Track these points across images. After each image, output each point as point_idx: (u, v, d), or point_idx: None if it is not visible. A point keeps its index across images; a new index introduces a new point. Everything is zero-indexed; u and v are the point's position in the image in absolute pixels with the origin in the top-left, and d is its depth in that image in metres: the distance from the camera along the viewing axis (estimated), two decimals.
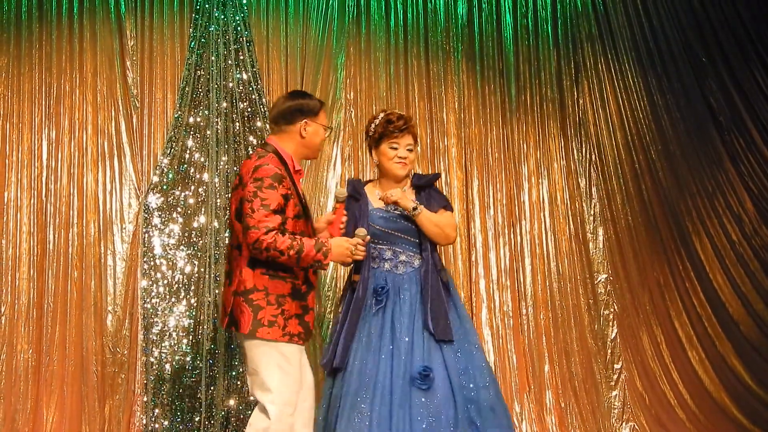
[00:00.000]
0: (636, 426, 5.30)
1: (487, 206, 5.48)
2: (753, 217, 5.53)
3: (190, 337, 4.89)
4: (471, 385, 3.66)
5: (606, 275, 5.53)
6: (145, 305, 4.91)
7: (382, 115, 3.89)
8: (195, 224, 4.99)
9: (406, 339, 3.67)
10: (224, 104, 5.07)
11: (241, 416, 4.79)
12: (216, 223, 4.95)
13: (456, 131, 5.50)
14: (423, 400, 3.57)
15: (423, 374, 3.59)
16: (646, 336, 5.49)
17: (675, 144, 5.63)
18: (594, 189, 5.63)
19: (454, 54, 5.57)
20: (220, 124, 5.05)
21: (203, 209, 4.98)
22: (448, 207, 3.91)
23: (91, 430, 4.80)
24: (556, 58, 5.69)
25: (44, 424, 4.79)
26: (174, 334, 4.89)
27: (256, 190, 3.27)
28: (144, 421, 4.83)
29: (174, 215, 5.00)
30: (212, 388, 4.85)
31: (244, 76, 5.11)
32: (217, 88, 5.07)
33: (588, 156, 5.65)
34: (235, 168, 4.98)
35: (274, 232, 3.23)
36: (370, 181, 4.09)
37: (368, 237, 3.63)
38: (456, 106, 5.52)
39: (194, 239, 4.98)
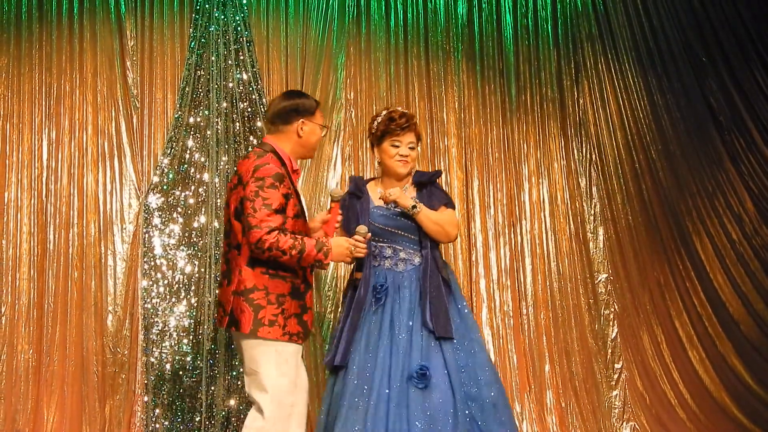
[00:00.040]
0: (636, 426, 5.30)
1: (487, 206, 5.48)
2: (753, 216, 5.53)
3: (191, 337, 4.89)
4: (472, 383, 3.65)
5: (606, 275, 5.53)
6: (146, 305, 4.91)
7: (384, 112, 3.89)
8: (195, 224, 4.99)
9: (405, 337, 3.67)
10: (224, 104, 5.07)
11: (242, 416, 4.79)
12: (216, 224, 4.95)
13: (456, 131, 5.50)
14: (421, 399, 3.56)
15: (420, 373, 3.58)
16: (647, 336, 5.49)
17: (675, 144, 5.63)
18: (594, 189, 5.63)
19: (454, 54, 5.57)
20: (220, 124, 5.05)
21: (203, 209, 4.99)
22: (449, 204, 3.90)
23: (91, 431, 4.80)
24: (556, 57, 5.69)
25: (45, 425, 4.79)
26: (174, 334, 4.89)
27: (257, 189, 3.27)
28: (144, 421, 4.83)
29: (174, 215, 5.00)
30: (213, 388, 4.85)
31: (245, 77, 5.11)
32: (217, 88, 5.07)
33: (588, 156, 5.65)
34: (234, 168, 4.98)
35: (277, 231, 3.24)
36: (373, 178, 4.09)
37: (369, 234, 3.64)
38: (456, 106, 5.52)
39: (194, 239, 4.98)
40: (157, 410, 4.82)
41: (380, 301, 3.75)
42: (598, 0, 5.72)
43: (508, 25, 5.66)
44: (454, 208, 3.94)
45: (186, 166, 5.02)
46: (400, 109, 3.94)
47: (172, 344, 4.88)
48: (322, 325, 5.10)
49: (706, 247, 5.56)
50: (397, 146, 3.84)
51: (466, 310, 3.86)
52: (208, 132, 5.04)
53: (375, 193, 3.90)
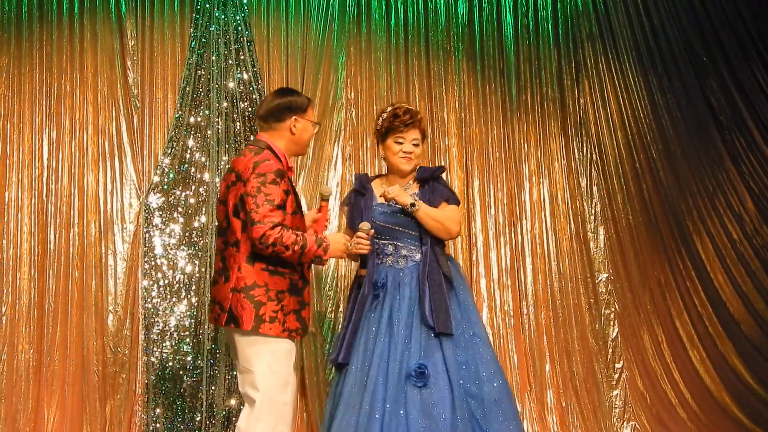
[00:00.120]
0: (637, 425, 5.30)
1: (487, 205, 5.48)
2: (754, 216, 5.53)
3: (191, 336, 4.89)
4: (472, 379, 3.63)
5: (607, 274, 5.53)
6: (146, 305, 4.91)
7: (390, 108, 3.89)
8: (196, 224, 4.99)
9: (404, 333, 3.66)
10: (225, 104, 5.07)
11: None
12: (217, 223, 4.95)
13: (457, 131, 5.50)
14: (419, 397, 3.55)
15: (419, 372, 3.57)
16: (647, 335, 5.49)
17: (676, 143, 5.63)
18: (595, 188, 5.62)
19: (454, 53, 5.57)
20: (220, 123, 5.05)
21: (204, 209, 4.99)
22: (451, 200, 3.87)
23: (92, 430, 4.80)
24: (556, 57, 5.69)
25: (45, 424, 4.78)
26: (175, 334, 4.89)
27: (259, 185, 3.27)
28: (145, 421, 4.83)
29: (175, 215, 5.00)
30: (213, 387, 4.85)
31: (245, 76, 5.11)
32: (217, 87, 5.07)
33: (589, 155, 5.65)
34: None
35: (280, 227, 3.24)
36: (379, 175, 4.08)
37: (372, 231, 3.64)
38: (457, 106, 5.52)
39: (195, 239, 4.98)
40: (158, 410, 4.82)
41: (378, 297, 3.75)
42: None
43: (509, 24, 5.66)
44: (457, 204, 3.91)
45: (186, 165, 5.02)
46: (405, 105, 3.92)
47: (173, 344, 4.88)
48: (322, 325, 5.10)
49: (706, 246, 5.56)
50: (401, 143, 3.84)
51: (471, 306, 3.83)
52: (209, 132, 5.04)
53: (379, 190, 3.90)
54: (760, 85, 5.59)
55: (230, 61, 5.10)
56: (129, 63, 5.12)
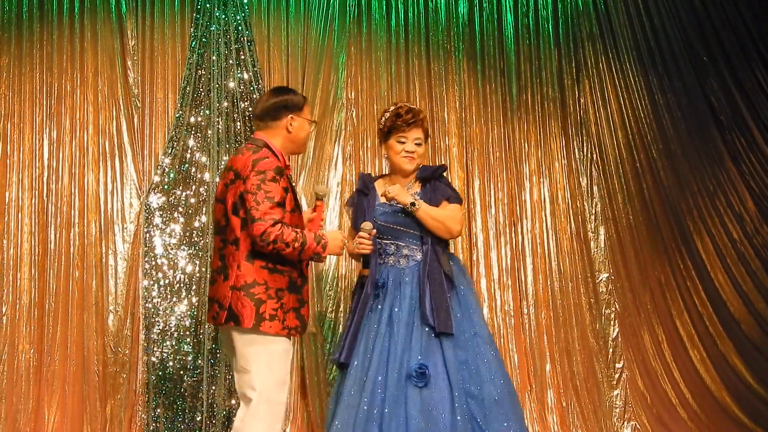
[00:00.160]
0: (637, 425, 5.30)
1: (488, 205, 5.48)
2: (754, 216, 5.53)
3: (192, 336, 4.90)
4: (472, 380, 3.61)
5: (607, 274, 5.53)
6: (147, 305, 4.91)
7: (392, 108, 3.88)
8: (196, 224, 4.99)
9: (403, 333, 3.65)
10: (225, 104, 5.07)
11: None
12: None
13: (457, 130, 5.50)
14: (419, 398, 3.54)
15: (419, 372, 3.56)
16: (648, 335, 5.49)
17: (676, 143, 5.63)
18: (595, 188, 5.62)
19: (455, 53, 5.56)
20: (221, 123, 5.05)
21: (204, 209, 4.99)
22: (452, 199, 3.86)
23: (92, 430, 4.80)
24: (557, 57, 5.69)
25: (46, 424, 4.79)
26: (175, 334, 4.89)
27: (259, 182, 3.27)
28: (145, 421, 4.83)
29: (175, 215, 5.00)
30: (214, 387, 4.85)
31: (245, 76, 5.11)
32: (218, 87, 5.07)
33: (589, 155, 5.65)
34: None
35: (280, 224, 3.24)
36: (383, 175, 4.08)
37: (374, 231, 3.64)
38: (457, 106, 5.52)
39: (195, 239, 4.98)
40: (158, 410, 4.82)
41: (377, 297, 3.75)
42: None
43: (509, 24, 5.66)
44: (459, 202, 3.89)
45: (187, 165, 5.02)
46: (407, 105, 3.91)
47: (173, 344, 4.88)
48: (322, 325, 5.10)
49: (707, 246, 5.56)
50: (403, 142, 3.83)
51: (472, 305, 3.80)
52: (209, 131, 5.04)
53: (382, 190, 3.89)
54: (761, 84, 5.59)
55: (231, 61, 5.10)
56: (129, 63, 5.12)
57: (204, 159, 5.03)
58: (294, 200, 3.45)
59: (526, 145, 5.60)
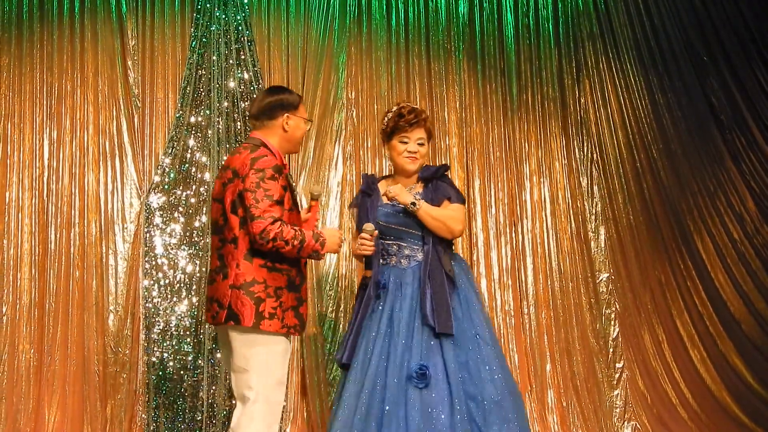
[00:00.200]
0: (638, 425, 5.30)
1: (488, 205, 5.48)
2: (754, 215, 5.53)
3: (192, 336, 4.89)
4: (472, 381, 3.60)
5: (607, 274, 5.53)
6: (147, 305, 4.91)
7: (395, 108, 3.88)
8: (196, 223, 4.99)
9: (404, 334, 3.64)
10: (225, 104, 5.07)
11: None
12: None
13: (457, 130, 5.50)
14: (419, 399, 3.54)
15: (420, 373, 3.55)
16: (648, 335, 5.49)
17: (676, 143, 5.63)
18: (595, 188, 5.62)
19: (455, 53, 5.56)
20: (221, 123, 5.05)
21: (205, 209, 4.98)
22: (454, 198, 3.84)
23: (92, 430, 4.80)
24: (557, 56, 5.68)
25: (46, 424, 4.79)
26: (176, 334, 4.89)
27: (258, 181, 3.27)
28: (146, 421, 4.83)
29: (175, 215, 5.00)
30: (214, 387, 4.85)
31: (246, 76, 5.11)
32: (218, 87, 5.07)
33: (589, 155, 5.65)
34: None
35: (280, 222, 3.24)
36: (386, 176, 4.08)
37: (376, 232, 3.64)
38: (457, 105, 5.52)
39: (196, 239, 4.98)
40: (159, 410, 4.82)
41: (378, 298, 3.74)
42: None
43: (509, 24, 5.66)
44: (461, 202, 3.87)
45: (187, 165, 5.02)
46: (410, 105, 3.90)
47: (174, 344, 4.88)
48: (323, 325, 5.10)
49: (707, 246, 5.56)
50: (406, 142, 3.82)
51: (474, 305, 3.78)
52: (210, 131, 5.04)
53: (384, 190, 3.89)
54: (761, 84, 5.59)
55: (231, 61, 5.10)
56: (130, 63, 5.12)
57: (204, 159, 5.03)
58: (292, 199, 3.45)
59: (526, 144, 5.60)
